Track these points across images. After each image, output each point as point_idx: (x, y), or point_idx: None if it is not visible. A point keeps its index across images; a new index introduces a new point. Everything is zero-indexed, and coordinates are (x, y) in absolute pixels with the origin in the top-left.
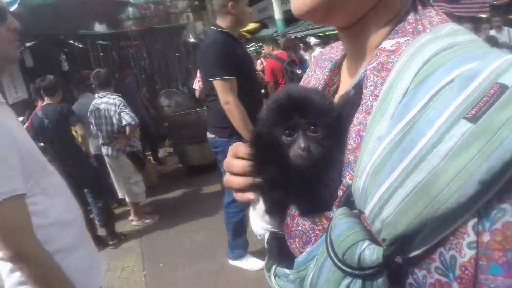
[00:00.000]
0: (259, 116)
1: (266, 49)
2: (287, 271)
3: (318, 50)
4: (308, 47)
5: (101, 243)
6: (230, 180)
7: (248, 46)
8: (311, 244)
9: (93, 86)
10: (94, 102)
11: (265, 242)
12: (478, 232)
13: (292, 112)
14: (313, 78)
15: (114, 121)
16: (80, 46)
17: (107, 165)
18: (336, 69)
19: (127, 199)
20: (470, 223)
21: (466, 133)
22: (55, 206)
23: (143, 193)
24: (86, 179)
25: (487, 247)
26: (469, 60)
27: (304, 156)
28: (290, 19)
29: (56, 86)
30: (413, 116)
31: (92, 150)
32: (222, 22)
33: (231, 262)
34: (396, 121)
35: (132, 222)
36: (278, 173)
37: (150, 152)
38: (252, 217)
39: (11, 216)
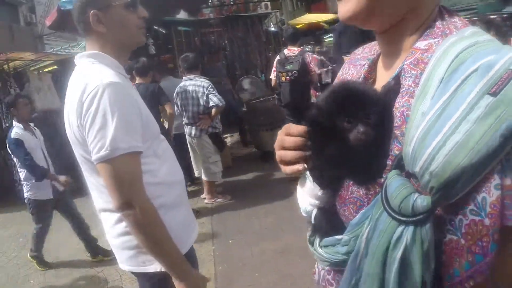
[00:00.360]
0: (316, 105)
1: None
2: (338, 236)
3: None
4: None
5: None
6: (282, 154)
7: (326, 37)
8: (364, 208)
9: (181, 69)
10: (182, 84)
11: (312, 218)
12: (502, 177)
13: (351, 103)
14: (347, 75)
15: (201, 102)
16: (164, 32)
17: (188, 144)
18: (373, 66)
19: (203, 177)
20: (496, 170)
21: (489, 104)
22: (163, 168)
23: (220, 173)
24: None
25: (510, 189)
26: (488, 54)
27: (363, 138)
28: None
29: (148, 68)
30: (449, 95)
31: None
32: None
33: None
34: (436, 100)
35: (205, 200)
36: (339, 152)
37: (229, 135)
38: (299, 195)
39: (127, 169)
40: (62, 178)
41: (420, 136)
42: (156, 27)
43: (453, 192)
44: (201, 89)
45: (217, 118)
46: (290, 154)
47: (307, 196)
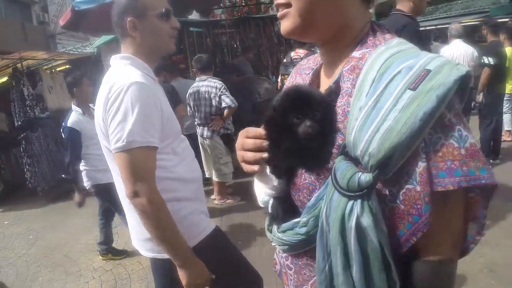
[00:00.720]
0: (271, 105)
1: None
2: (296, 219)
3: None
4: None
5: None
6: (243, 155)
7: None
8: (316, 191)
9: (194, 70)
10: (195, 84)
11: (269, 207)
12: (427, 152)
13: (299, 103)
14: (294, 83)
15: (214, 103)
16: None
17: (199, 145)
18: (316, 74)
19: (214, 178)
20: (420, 147)
21: (410, 96)
22: (181, 165)
23: (231, 174)
24: None
25: (434, 161)
26: (410, 59)
27: (309, 131)
28: (382, 12)
29: (159, 68)
30: (379, 92)
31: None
32: (404, 7)
33: None
34: (370, 97)
35: (215, 201)
36: (291, 145)
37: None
38: (256, 187)
39: (140, 161)
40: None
41: (358, 126)
42: None
43: (389, 168)
44: (213, 90)
45: (229, 119)
46: (250, 155)
47: (264, 187)
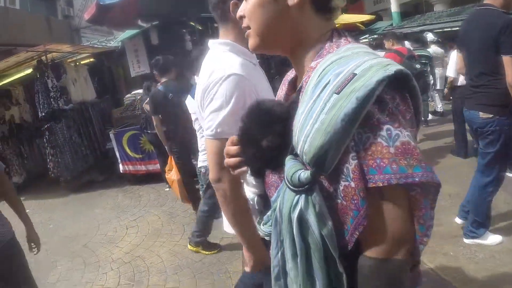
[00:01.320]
0: (241, 119)
1: (386, 43)
2: (268, 213)
3: (433, 48)
4: (424, 44)
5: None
6: (227, 160)
7: (361, 38)
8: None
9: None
10: None
11: (256, 204)
12: (357, 150)
13: (261, 120)
14: (281, 94)
15: None
16: (200, 28)
17: None
18: (292, 84)
19: None
20: (350, 146)
21: (335, 99)
22: None
23: None
24: (192, 149)
25: (364, 158)
26: (345, 64)
27: (270, 145)
28: (406, 12)
29: (167, 65)
30: (314, 98)
31: None
32: (495, 2)
33: (469, 241)
34: (307, 103)
35: None
36: (257, 153)
37: None
38: (244, 187)
39: (219, 150)
40: None
41: (298, 129)
42: (193, 23)
43: (326, 166)
44: None
45: None
46: (231, 160)
47: (249, 187)
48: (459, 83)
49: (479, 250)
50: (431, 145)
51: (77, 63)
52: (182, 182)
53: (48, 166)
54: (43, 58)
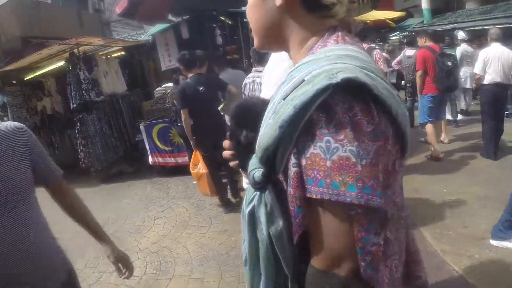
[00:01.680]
0: (231, 114)
1: (419, 40)
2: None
3: (464, 46)
4: (451, 44)
5: (230, 206)
6: (224, 153)
7: (392, 35)
8: None
9: (251, 60)
10: (251, 75)
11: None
12: (298, 157)
13: (241, 117)
14: (244, 98)
15: None
16: (230, 22)
17: None
18: None
19: None
20: (293, 153)
21: (280, 105)
22: None
23: None
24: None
25: (305, 168)
26: (306, 68)
27: (244, 140)
28: (437, 9)
29: (194, 60)
30: (273, 101)
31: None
32: None
33: (496, 243)
34: (271, 103)
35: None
36: (238, 147)
37: None
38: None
39: None
40: None
41: (260, 129)
42: (223, 18)
43: (277, 167)
44: None
45: None
46: (225, 153)
47: (244, 178)
48: (485, 81)
49: (506, 253)
50: (461, 146)
51: (108, 56)
52: (209, 175)
53: (79, 156)
54: (75, 50)
